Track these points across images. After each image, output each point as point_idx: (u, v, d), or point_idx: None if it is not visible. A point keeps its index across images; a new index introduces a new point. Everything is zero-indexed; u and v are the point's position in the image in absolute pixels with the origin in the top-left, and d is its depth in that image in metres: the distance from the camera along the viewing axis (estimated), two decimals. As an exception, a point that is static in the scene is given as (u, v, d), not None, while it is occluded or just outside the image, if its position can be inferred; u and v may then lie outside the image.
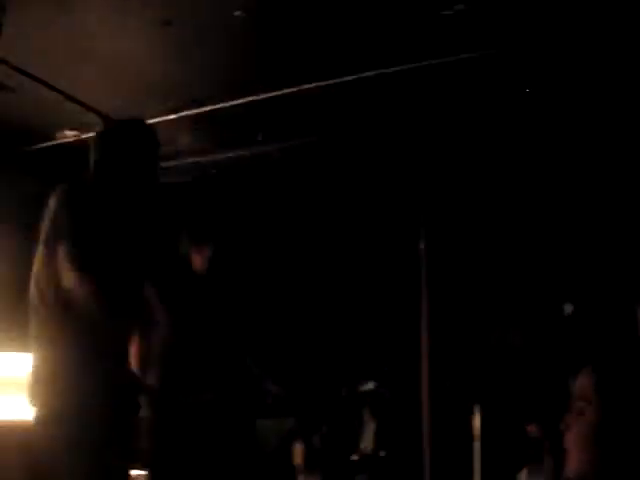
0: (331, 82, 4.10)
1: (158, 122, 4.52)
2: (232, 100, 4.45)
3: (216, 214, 4.93)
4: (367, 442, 5.30)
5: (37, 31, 3.76)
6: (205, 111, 4.62)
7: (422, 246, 5.16)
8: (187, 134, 4.86)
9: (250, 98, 4.42)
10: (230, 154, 5.03)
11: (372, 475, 5.13)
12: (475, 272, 5.25)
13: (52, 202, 2.34)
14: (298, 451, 5.10)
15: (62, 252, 2.23)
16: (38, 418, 2.24)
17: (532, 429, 4.18)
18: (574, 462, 2.00)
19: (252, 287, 5.22)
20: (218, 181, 5.30)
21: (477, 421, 4.85)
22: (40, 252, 2.34)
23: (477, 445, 4.79)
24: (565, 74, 4.04)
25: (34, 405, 2.26)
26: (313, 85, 4.12)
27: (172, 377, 3.60)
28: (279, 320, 5.54)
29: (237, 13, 3.69)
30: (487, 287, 5.22)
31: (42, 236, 2.35)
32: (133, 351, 3.11)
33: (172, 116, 4.60)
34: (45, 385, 2.22)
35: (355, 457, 5.26)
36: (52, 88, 4.34)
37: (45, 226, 2.34)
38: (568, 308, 4.91)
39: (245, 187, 5.39)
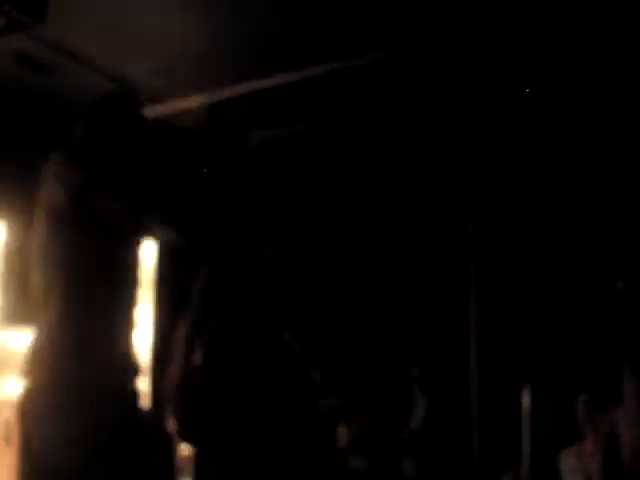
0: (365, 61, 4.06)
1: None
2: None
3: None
4: (417, 422, 5.27)
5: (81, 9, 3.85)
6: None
7: (471, 225, 5.09)
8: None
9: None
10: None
11: (421, 454, 5.10)
12: (524, 251, 5.14)
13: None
14: (343, 434, 5.10)
15: None
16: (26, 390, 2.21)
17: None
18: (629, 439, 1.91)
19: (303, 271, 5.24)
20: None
21: (527, 400, 4.74)
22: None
23: (526, 424, 4.69)
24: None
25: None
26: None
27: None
28: (330, 303, 5.55)
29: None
30: (536, 265, 5.11)
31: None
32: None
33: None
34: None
35: (405, 436, 5.23)
36: (93, 67, 4.42)
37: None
38: (620, 284, 4.74)
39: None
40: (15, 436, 2.27)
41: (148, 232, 2.62)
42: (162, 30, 4.07)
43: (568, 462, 4.10)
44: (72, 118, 2.49)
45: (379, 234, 5.67)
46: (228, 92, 4.55)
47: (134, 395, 2.33)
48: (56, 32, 3.98)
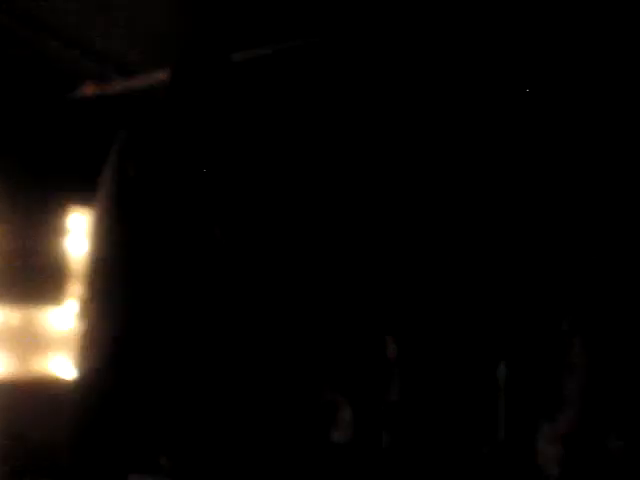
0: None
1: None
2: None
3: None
4: (393, 394, 5.31)
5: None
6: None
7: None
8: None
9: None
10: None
11: (398, 428, 5.15)
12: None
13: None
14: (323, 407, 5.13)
15: None
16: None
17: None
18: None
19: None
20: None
21: (502, 373, 4.81)
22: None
23: (502, 397, 4.77)
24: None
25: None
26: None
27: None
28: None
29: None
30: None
31: None
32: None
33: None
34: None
35: (383, 408, 5.27)
36: (68, 42, 4.34)
37: None
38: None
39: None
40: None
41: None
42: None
43: (544, 433, 4.20)
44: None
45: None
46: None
47: None
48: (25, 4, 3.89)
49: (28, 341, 4.75)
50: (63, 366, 4.64)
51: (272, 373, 4.95)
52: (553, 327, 4.88)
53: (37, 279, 4.76)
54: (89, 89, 4.88)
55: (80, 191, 4.70)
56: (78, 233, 5.16)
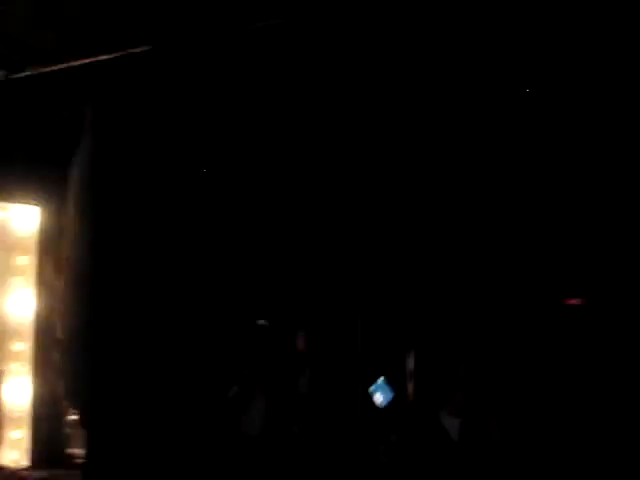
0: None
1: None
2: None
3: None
4: (303, 387, 5.36)
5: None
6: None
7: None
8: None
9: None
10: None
11: (309, 421, 5.21)
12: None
13: None
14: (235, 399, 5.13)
15: None
16: None
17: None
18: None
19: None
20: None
21: (411, 363, 4.96)
22: None
23: (410, 385, 4.91)
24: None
25: None
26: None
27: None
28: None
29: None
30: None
31: None
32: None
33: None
34: None
35: (294, 401, 5.32)
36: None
37: None
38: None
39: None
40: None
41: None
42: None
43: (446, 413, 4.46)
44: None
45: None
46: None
47: None
48: None
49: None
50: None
51: (185, 365, 4.94)
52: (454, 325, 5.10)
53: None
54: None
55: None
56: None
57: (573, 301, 4.90)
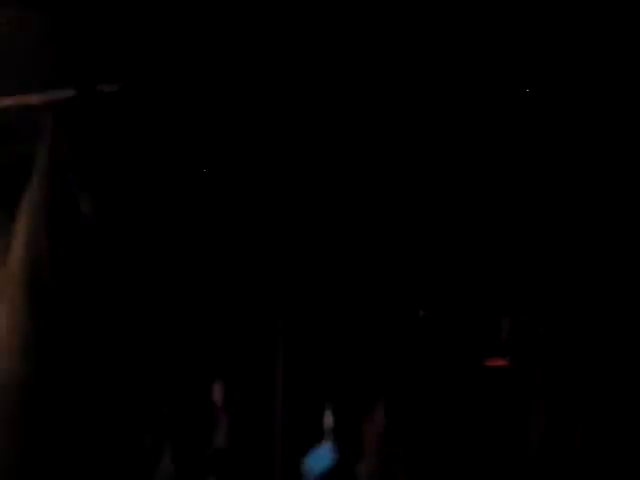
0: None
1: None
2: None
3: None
4: (220, 438, 5.31)
5: None
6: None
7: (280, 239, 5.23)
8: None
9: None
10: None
11: (224, 472, 5.15)
12: (333, 268, 5.37)
13: None
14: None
15: None
16: None
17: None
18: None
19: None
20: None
21: (329, 419, 4.99)
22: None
23: (328, 442, 4.93)
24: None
25: None
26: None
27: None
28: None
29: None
30: (345, 285, 5.36)
31: None
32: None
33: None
34: None
35: (208, 454, 5.25)
36: None
37: None
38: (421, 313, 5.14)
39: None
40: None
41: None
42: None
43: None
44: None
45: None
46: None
47: None
48: None
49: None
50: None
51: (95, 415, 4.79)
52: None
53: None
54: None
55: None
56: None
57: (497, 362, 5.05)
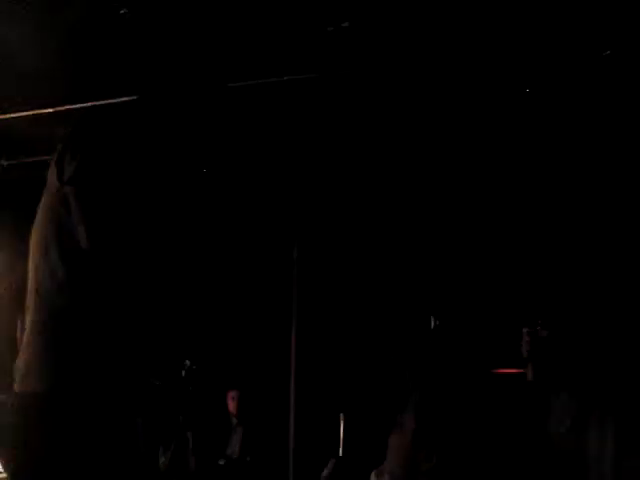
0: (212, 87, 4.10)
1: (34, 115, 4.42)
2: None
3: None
4: (234, 447, 5.32)
5: None
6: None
7: (295, 254, 5.24)
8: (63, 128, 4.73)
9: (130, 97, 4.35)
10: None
11: (238, 481, 5.16)
12: (347, 281, 5.37)
13: None
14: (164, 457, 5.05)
15: None
16: None
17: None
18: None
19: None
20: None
21: (342, 428, 4.97)
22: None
23: (341, 452, 4.92)
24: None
25: None
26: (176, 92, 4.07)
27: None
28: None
29: (122, 11, 3.66)
30: (358, 298, 5.35)
31: None
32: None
33: (49, 110, 4.49)
34: None
35: (221, 462, 5.26)
36: None
37: None
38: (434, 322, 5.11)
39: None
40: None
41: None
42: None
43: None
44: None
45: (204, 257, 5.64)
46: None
47: None
48: None
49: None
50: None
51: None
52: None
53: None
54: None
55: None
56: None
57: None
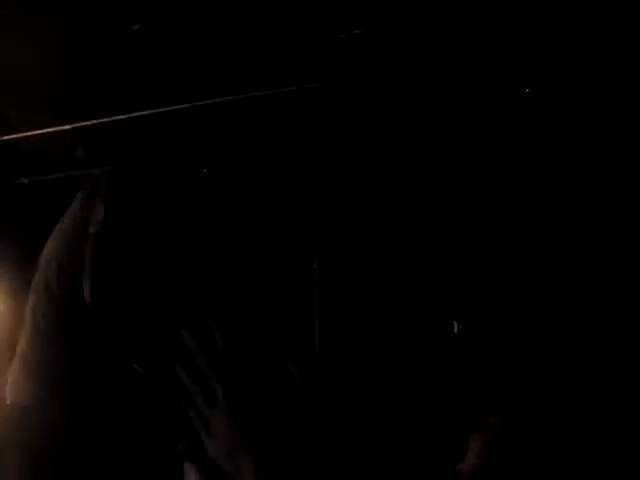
0: (226, 99, 4.12)
1: (51, 133, 4.46)
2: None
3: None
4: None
5: None
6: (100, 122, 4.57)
7: (315, 266, 5.23)
8: (82, 145, 4.78)
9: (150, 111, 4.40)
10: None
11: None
12: (368, 295, 5.35)
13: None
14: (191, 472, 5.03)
15: None
16: None
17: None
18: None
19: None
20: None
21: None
22: None
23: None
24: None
25: None
26: (202, 103, 4.12)
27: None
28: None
29: (135, 27, 3.70)
30: (378, 308, 5.33)
31: None
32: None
33: (66, 127, 4.54)
34: None
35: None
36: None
37: None
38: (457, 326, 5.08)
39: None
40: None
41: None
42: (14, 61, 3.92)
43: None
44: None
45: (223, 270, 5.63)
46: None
47: None
48: None
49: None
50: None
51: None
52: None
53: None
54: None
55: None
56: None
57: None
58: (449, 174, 4.99)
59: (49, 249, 2.11)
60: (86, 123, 4.45)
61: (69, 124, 4.47)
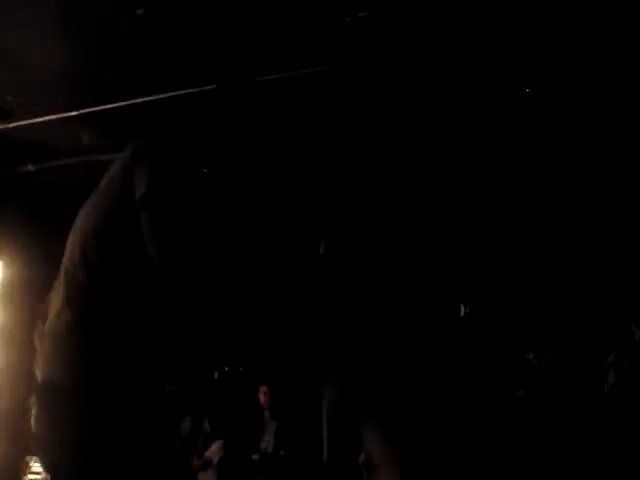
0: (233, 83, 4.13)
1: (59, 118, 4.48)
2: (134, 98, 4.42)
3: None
4: (268, 442, 5.34)
5: None
6: (107, 108, 4.57)
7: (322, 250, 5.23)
8: (89, 131, 4.80)
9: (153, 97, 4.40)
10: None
11: (272, 475, 5.17)
12: (374, 274, 5.35)
13: None
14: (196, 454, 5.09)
15: None
16: None
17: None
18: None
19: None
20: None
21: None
22: None
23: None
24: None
25: None
26: (210, 87, 4.12)
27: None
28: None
29: (139, 11, 3.69)
30: (386, 290, 5.33)
31: None
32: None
33: (73, 113, 4.54)
34: None
35: (255, 456, 5.28)
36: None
37: None
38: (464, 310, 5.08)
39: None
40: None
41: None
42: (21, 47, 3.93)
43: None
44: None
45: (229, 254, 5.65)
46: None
47: None
48: None
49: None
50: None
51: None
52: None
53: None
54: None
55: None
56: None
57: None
58: (456, 159, 4.99)
59: (84, 220, 2.08)
60: (93, 109, 4.46)
61: (75, 110, 4.49)
